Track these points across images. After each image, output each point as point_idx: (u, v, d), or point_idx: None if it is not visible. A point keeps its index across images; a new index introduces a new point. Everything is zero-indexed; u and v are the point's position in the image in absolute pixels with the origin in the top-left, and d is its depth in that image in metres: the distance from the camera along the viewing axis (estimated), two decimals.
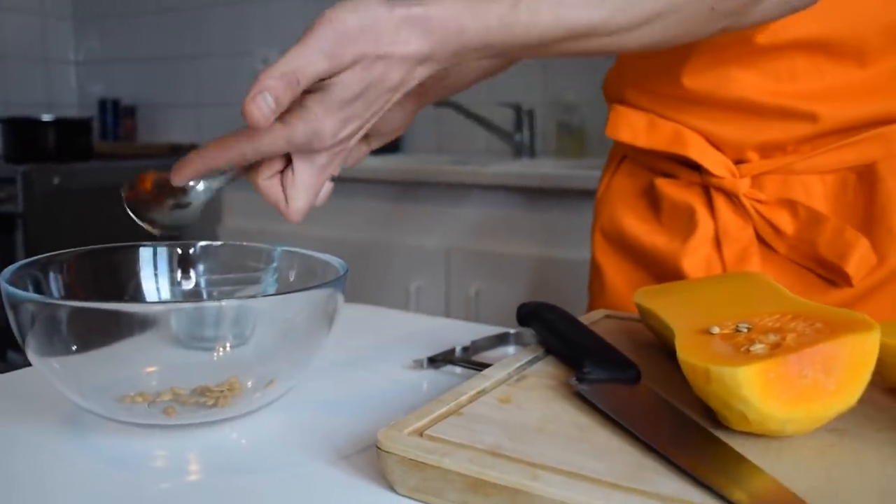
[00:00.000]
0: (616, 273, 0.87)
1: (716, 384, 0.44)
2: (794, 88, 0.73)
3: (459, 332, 0.76)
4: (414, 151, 2.71)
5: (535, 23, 0.54)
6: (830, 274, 0.75)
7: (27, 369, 0.64)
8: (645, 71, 0.81)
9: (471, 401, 0.52)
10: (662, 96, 0.80)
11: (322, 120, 0.53)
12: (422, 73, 0.55)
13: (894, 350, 0.50)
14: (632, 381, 0.52)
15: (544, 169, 2.05)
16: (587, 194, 1.84)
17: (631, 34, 0.58)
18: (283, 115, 0.53)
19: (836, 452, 0.44)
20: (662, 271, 0.81)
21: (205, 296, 0.67)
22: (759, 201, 0.77)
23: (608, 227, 0.88)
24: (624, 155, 0.90)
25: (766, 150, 0.76)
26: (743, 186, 0.76)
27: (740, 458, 0.42)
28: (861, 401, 0.51)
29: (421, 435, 0.46)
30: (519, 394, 0.53)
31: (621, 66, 0.86)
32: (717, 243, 0.78)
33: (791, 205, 0.75)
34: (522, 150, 2.38)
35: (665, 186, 0.81)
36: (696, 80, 0.76)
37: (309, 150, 0.56)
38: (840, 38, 0.71)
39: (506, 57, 0.61)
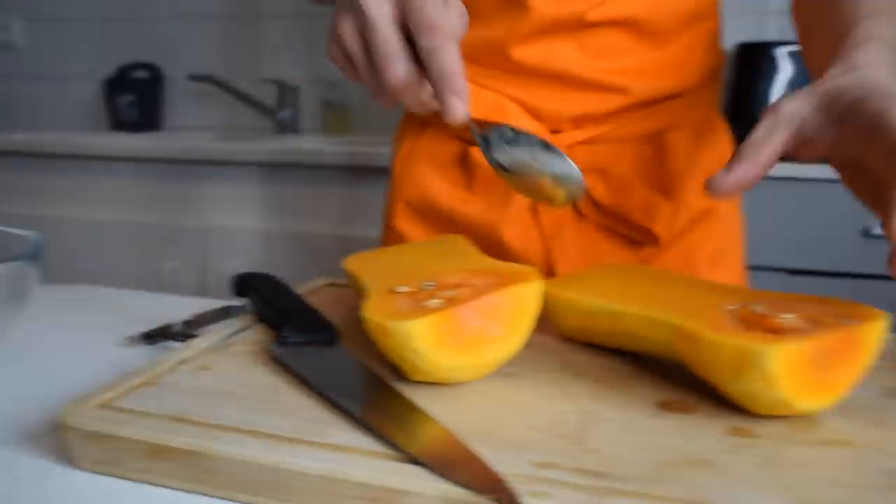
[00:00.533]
0: None
1: (391, 338, 0.46)
2: (611, 65, 0.79)
3: (184, 308, 0.75)
4: (174, 129, 2.61)
5: None
6: (639, 235, 0.81)
7: None
8: (467, 42, 0.81)
9: (169, 370, 0.51)
10: (486, 67, 0.81)
11: None
12: None
13: (563, 300, 0.55)
14: (329, 342, 0.54)
15: (308, 145, 2.05)
16: (351, 170, 1.86)
17: None
18: None
19: (505, 394, 0.48)
20: (479, 240, 0.83)
21: None
22: None
23: (414, 197, 0.88)
24: (425, 123, 0.90)
25: (580, 121, 0.81)
26: None
27: (412, 408, 0.45)
28: (537, 347, 0.57)
29: (109, 407, 0.45)
30: (220, 361, 0.53)
31: None
32: (535, 212, 0.82)
33: (602, 172, 0.81)
34: (286, 127, 2.36)
35: (480, 155, 0.83)
36: (524, 52, 0.79)
37: None
38: (646, 20, 0.78)
39: None
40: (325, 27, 2.39)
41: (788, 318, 0.45)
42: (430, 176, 0.88)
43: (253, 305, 0.64)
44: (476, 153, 0.83)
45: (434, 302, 0.48)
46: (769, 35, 2.08)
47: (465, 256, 0.57)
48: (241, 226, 1.96)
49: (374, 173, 1.86)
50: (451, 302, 0.47)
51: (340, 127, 2.36)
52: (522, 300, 0.48)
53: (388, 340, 0.47)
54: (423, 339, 0.45)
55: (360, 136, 2.31)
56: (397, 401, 0.46)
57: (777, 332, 0.44)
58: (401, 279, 0.53)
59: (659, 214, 0.80)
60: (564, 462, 0.40)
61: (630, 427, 0.44)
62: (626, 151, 0.83)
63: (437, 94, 0.52)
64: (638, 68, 0.80)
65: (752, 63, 1.91)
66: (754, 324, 0.46)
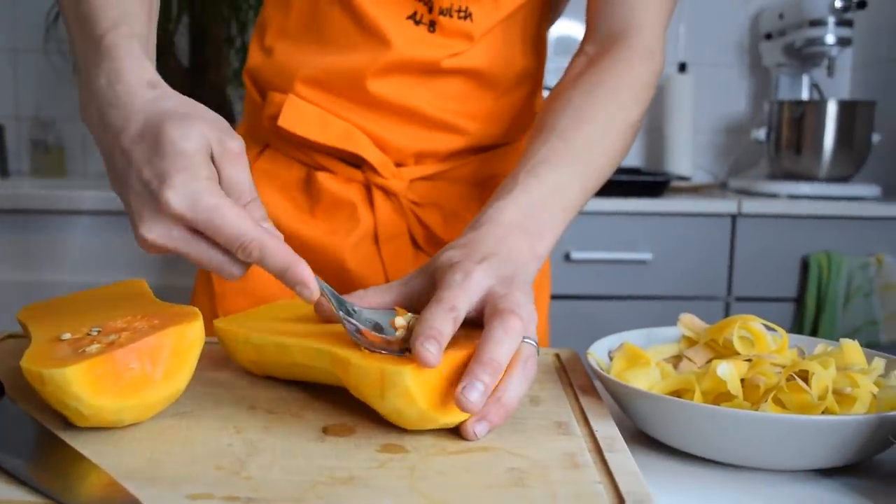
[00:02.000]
0: None
1: (50, 386, 0.46)
2: (455, 107, 0.84)
3: None
4: None
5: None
6: None
7: None
8: (324, 69, 0.83)
9: None
10: (340, 96, 0.83)
11: None
12: None
13: (233, 335, 0.58)
14: None
15: (21, 189, 1.92)
16: (71, 214, 1.78)
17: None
18: None
19: (172, 433, 0.50)
20: (320, 262, 0.83)
21: None
22: (415, 203, 0.85)
23: None
24: (266, 144, 0.89)
25: (422, 157, 0.86)
26: (401, 187, 0.84)
27: (75, 456, 0.45)
28: (213, 383, 0.59)
29: None
30: None
31: (281, 58, 0.86)
32: (376, 240, 0.84)
33: (440, 207, 0.85)
34: None
35: (325, 181, 0.85)
36: (380, 86, 0.82)
37: None
38: (489, 72, 0.85)
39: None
40: (36, 63, 2.26)
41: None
42: (270, 195, 0.87)
43: None
44: (322, 178, 0.86)
45: (93, 347, 0.48)
46: None
47: (137, 301, 0.58)
48: None
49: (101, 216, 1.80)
50: (111, 346, 0.48)
51: (54, 170, 2.23)
52: (182, 341, 0.50)
53: (47, 388, 0.47)
54: (80, 384, 0.46)
55: (78, 180, 2.20)
56: (61, 450, 0.46)
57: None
58: (67, 326, 0.53)
59: None
60: (218, 491, 0.42)
61: (290, 453, 0.47)
62: (462, 191, 0.89)
63: (285, 284, 0.52)
64: (477, 114, 0.86)
65: None
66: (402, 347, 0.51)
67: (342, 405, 0.55)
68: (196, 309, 0.52)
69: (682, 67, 2.29)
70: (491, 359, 0.50)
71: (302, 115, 0.84)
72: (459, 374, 0.49)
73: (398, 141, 0.85)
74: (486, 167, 0.91)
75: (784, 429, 0.48)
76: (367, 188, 0.86)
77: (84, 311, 0.57)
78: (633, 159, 2.41)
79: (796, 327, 1.89)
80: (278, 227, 0.89)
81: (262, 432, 0.50)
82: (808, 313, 1.86)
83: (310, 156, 0.87)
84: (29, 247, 1.83)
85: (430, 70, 0.83)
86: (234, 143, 0.54)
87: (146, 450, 0.47)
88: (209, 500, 0.41)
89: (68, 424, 0.50)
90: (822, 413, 0.50)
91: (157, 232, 0.51)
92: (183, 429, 0.50)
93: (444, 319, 0.50)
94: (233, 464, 0.45)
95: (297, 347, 0.54)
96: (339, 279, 0.85)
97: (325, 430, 0.51)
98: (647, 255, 1.85)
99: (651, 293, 1.88)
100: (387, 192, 0.86)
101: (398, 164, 0.87)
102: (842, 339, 0.58)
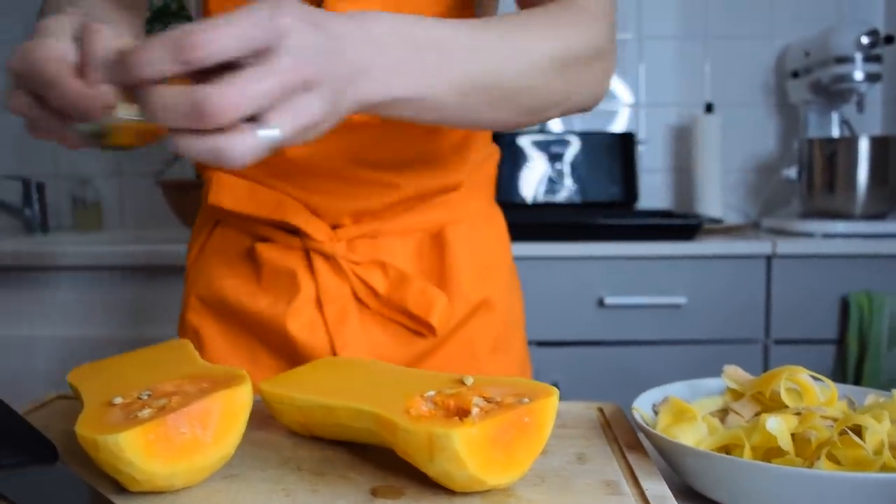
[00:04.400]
0: (216, 336, 0.87)
1: (104, 452, 0.47)
2: (377, 160, 0.82)
3: None
4: None
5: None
6: (417, 326, 0.84)
7: None
8: None
9: None
10: (264, 164, 0.79)
11: None
12: None
13: (278, 398, 0.58)
14: (48, 461, 0.53)
15: (61, 246, 1.96)
16: (109, 270, 1.81)
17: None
18: None
19: (223, 496, 0.50)
20: (267, 333, 0.83)
21: None
22: (355, 262, 0.84)
23: (206, 292, 0.88)
24: (217, 220, 0.90)
25: (358, 215, 0.84)
26: (340, 249, 0.83)
27: None
28: (261, 444, 0.59)
29: None
30: None
31: None
32: (319, 304, 0.83)
33: (382, 265, 0.84)
34: (34, 226, 2.24)
35: (266, 251, 0.84)
36: (294, 150, 0.80)
37: None
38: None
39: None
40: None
41: (476, 402, 0.51)
42: (219, 271, 0.88)
43: None
44: (262, 248, 0.85)
45: (146, 412, 0.49)
46: None
47: (184, 362, 0.59)
48: None
49: (136, 272, 1.82)
50: (162, 411, 0.48)
51: (94, 225, 2.27)
52: (232, 404, 0.50)
53: (101, 454, 0.47)
54: (133, 450, 0.46)
55: (117, 232, 2.24)
56: None
57: (464, 415, 0.50)
58: (118, 390, 0.54)
59: (434, 307, 0.84)
60: None
61: None
62: (407, 244, 0.87)
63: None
64: (406, 162, 0.83)
65: None
66: (447, 408, 0.51)
67: (389, 466, 0.55)
68: (244, 371, 0.53)
69: (709, 108, 2.29)
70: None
71: (232, 190, 0.84)
72: (508, 437, 0.49)
73: (328, 203, 0.84)
74: (431, 217, 0.87)
75: (843, 487, 0.47)
76: (308, 253, 0.86)
77: (133, 374, 0.58)
78: (663, 201, 2.40)
79: (839, 370, 1.86)
80: (226, 301, 0.89)
81: (311, 495, 0.50)
82: (850, 356, 1.83)
83: (250, 227, 0.87)
84: (65, 302, 1.85)
85: (342, 127, 0.78)
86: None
87: None
88: None
89: (121, 489, 0.50)
90: (880, 469, 0.50)
91: None
92: (233, 492, 0.51)
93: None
94: None
95: (343, 409, 0.55)
96: (284, 348, 0.84)
97: (374, 493, 0.51)
98: (681, 299, 1.83)
99: (687, 337, 1.86)
100: (326, 256, 0.85)
101: (335, 226, 0.85)
102: (894, 391, 0.57)
